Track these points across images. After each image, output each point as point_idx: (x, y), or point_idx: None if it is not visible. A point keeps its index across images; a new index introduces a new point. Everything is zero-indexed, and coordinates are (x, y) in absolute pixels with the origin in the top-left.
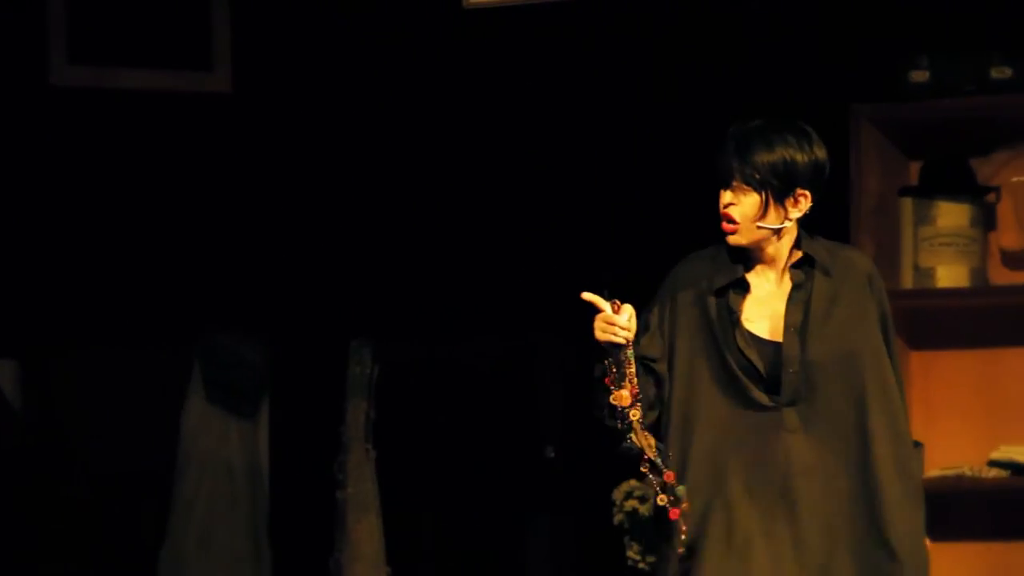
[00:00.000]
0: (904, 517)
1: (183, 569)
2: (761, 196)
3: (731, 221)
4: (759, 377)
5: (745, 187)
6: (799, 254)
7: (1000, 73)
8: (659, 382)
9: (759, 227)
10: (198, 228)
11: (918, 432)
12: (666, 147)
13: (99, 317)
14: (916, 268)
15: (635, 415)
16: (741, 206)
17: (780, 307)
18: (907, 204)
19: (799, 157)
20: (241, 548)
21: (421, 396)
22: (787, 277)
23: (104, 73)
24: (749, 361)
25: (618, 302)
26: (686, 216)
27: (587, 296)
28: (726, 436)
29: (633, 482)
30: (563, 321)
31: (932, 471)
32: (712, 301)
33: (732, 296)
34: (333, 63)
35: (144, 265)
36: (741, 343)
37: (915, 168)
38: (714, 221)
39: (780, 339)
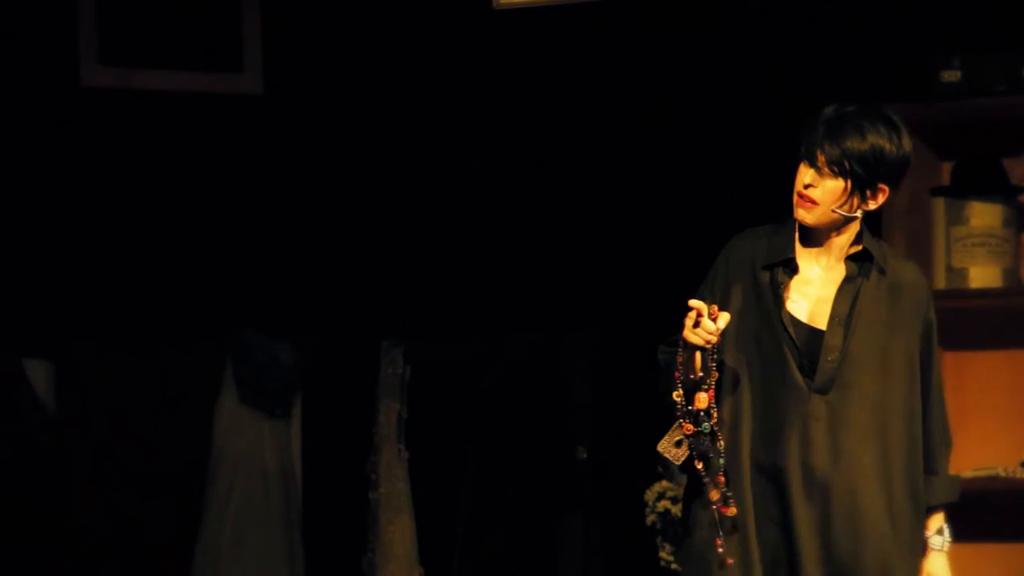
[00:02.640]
0: (908, 535)
1: (217, 569)
2: (844, 183)
3: (810, 201)
4: (797, 357)
5: (830, 171)
6: (858, 248)
7: None
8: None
9: (833, 211)
10: (229, 229)
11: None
12: (700, 145)
13: (132, 317)
14: (949, 268)
15: (715, 416)
16: (822, 189)
17: (824, 294)
18: (939, 204)
19: (889, 149)
20: (274, 548)
21: (453, 396)
22: (841, 267)
23: (134, 74)
24: (791, 339)
25: (716, 308)
26: (716, 211)
27: (693, 303)
28: (758, 410)
29: (665, 483)
30: (595, 320)
31: (965, 472)
32: (763, 275)
33: (780, 274)
34: (363, 64)
35: (176, 266)
36: (786, 321)
37: (947, 168)
38: (749, 214)
39: (816, 324)
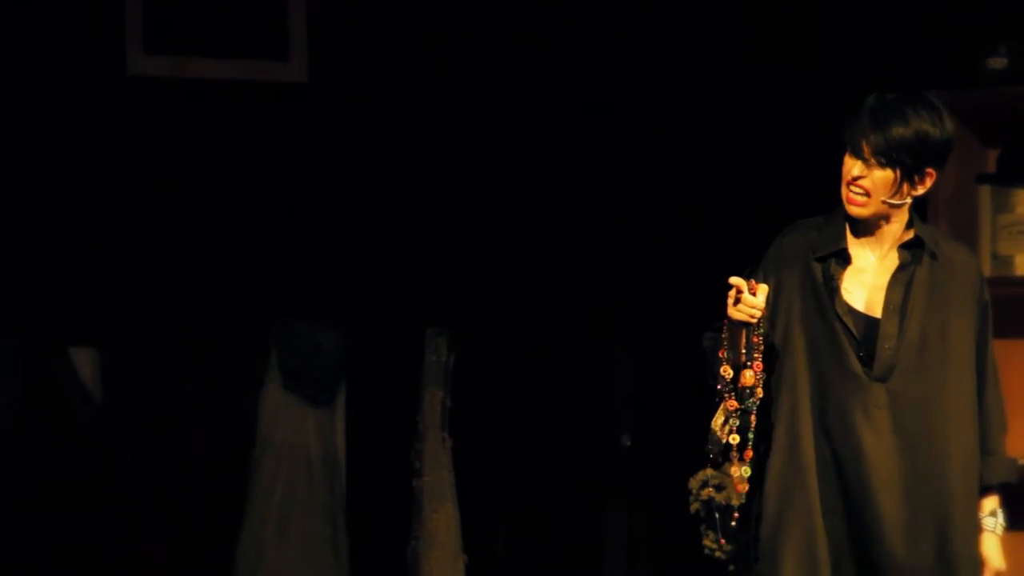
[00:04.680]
0: (964, 515)
1: (261, 557)
2: (894, 172)
3: (862, 194)
4: (856, 346)
5: (877, 162)
6: (910, 234)
7: None
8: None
9: (884, 202)
10: (274, 216)
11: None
12: (746, 136)
13: (176, 306)
14: (994, 256)
15: (759, 394)
16: (871, 180)
17: (878, 282)
18: (985, 192)
19: (934, 133)
20: (319, 536)
21: (497, 384)
22: (894, 255)
23: (180, 63)
24: (848, 328)
25: (755, 281)
26: (761, 202)
27: (733, 280)
28: (816, 401)
29: (709, 471)
30: (640, 308)
31: (1016, 458)
32: (816, 267)
33: (833, 265)
34: (408, 52)
35: (221, 254)
36: (840, 310)
37: (993, 156)
38: (794, 204)
39: (873, 313)
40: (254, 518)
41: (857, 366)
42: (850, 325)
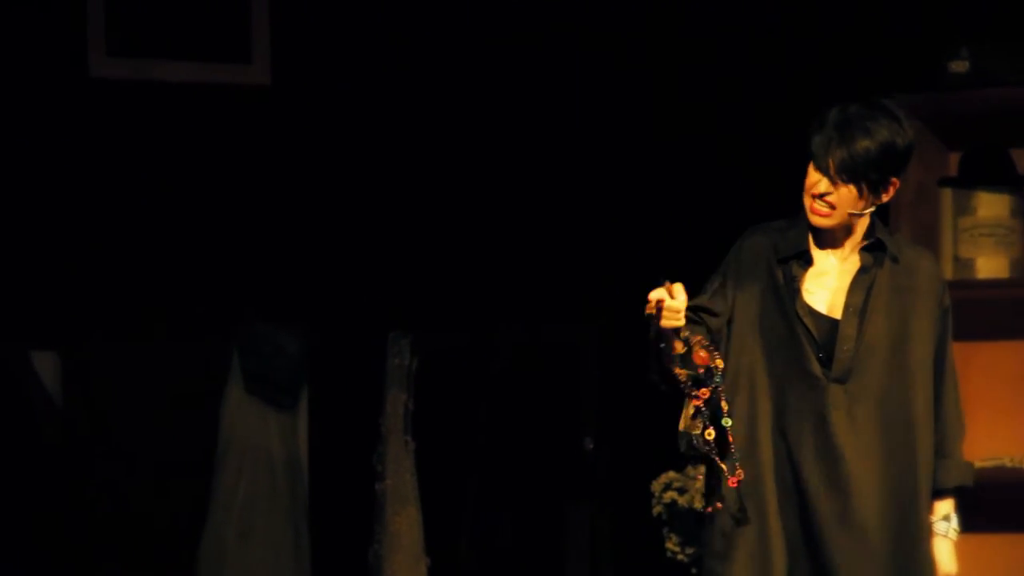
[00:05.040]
0: (920, 518)
1: (223, 560)
2: (859, 188)
3: (827, 207)
4: (815, 347)
5: (842, 179)
6: (872, 237)
7: None
8: (714, 338)
9: (850, 214)
10: (237, 219)
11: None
12: (709, 140)
13: (139, 308)
14: (956, 259)
15: (720, 364)
16: (837, 195)
17: (839, 284)
18: (947, 195)
19: (898, 143)
20: (281, 539)
21: (460, 388)
22: (855, 258)
23: (143, 65)
24: (808, 330)
25: (668, 282)
26: (724, 205)
27: (652, 295)
28: (774, 401)
29: (672, 473)
30: (604, 310)
31: (973, 462)
32: (778, 269)
33: (795, 266)
34: (371, 55)
35: (183, 256)
36: (801, 312)
37: (955, 159)
38: (757, 208)
39: (835, 315)
40: (216, 520)
41: (816, 367)
42: (810, 326)
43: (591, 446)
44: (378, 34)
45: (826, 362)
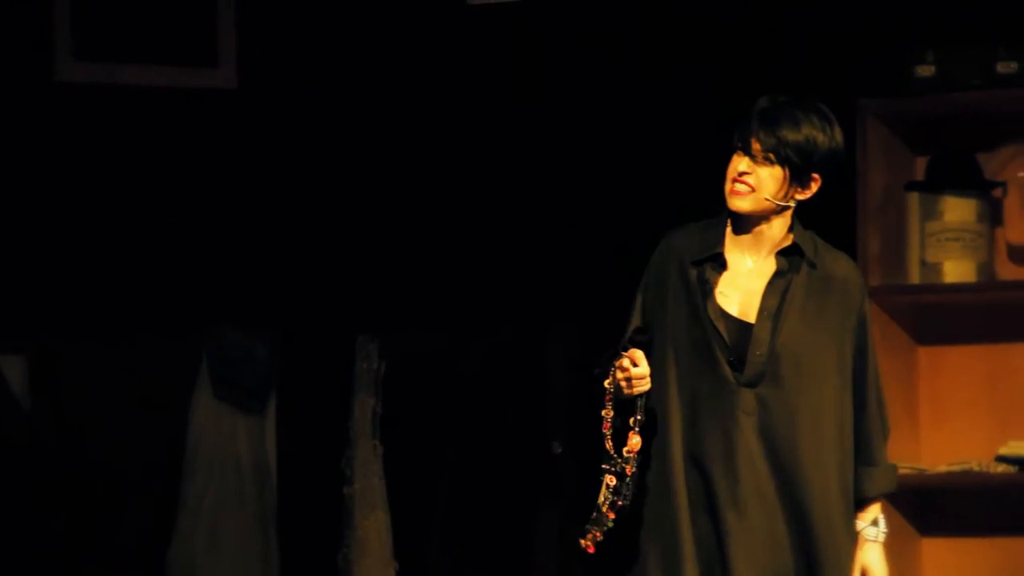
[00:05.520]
0: (828, 523)
1: (192, 565)
2: (782, 170)
3: (745, 187)
4: (726, 352)
5: (765, 159)
6: (789, 240)
7: (1006, 68)
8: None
9: (767, 199)
10: (204, 224)
11: (926, 427)
12: (671, 141)
13: (107, 312)
14: (923, 263)
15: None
16: (756, 176)
17: (754, 287)
18: (913, 199)
19: (821, 139)
20: (249, 544)
21: (428, 391)
22: (771, 261)
23: (109, 69)
24: (719, 334)
25: (631, 351)
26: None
27: (623, 363)
28: (687, 403)
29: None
30: (573, 312)
31: (939, 466)
32: (692, 271)
33: (709, 269)
34: (338, 59)
35: (151, 260)
36: (712, 315)
37: (921, 163)
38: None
39: (748, 318)
40: (185, 525)
41: (727, 371)
42: (721, 330)
43: (559, 450)
44: (345, 37)
45: (737, 366)
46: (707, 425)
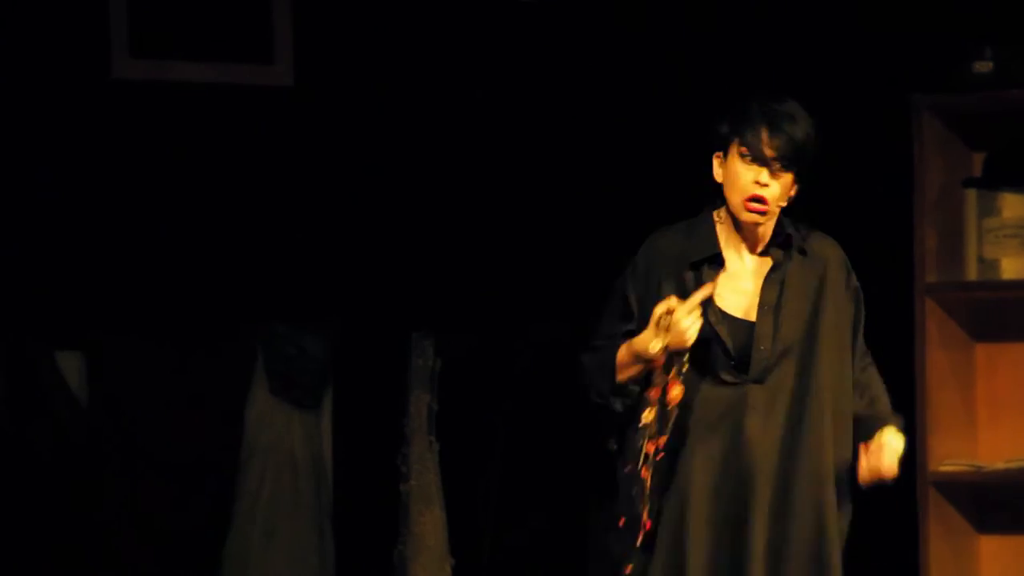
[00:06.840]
0: (833, 519)
1: (248, 561)
2: (791, 176)
3: (764, 203)
4: (728, 355)
5: (781, 166)
6: (776, 232)
7: None
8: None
9: (778, 207)
10: (260, 220)
11: (983, 424)
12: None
13: (163, 309)
14: (980, 260)
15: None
16: (773, 188)
17: (752, 285)
18: (971, 196)
19: (814, 137)
20: (305, 540)
21: (483, 388)
22: (766, 255)
23: (165, 66)
24: (719, 338)
25: (665, 302)
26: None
27: (659, 308)
28: (690, 409)
29: None
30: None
31: (997, 463)
32: (688, 275)
33: (706, 271)
34: (394, 56)
35: (207, 257)
36: (713, 319)
37: (978, 159)
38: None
39: (749, 317)
40: (240, 522)
41: (729, 374)
42: (723, 334)
43: (615, 447)
44: (401, 35)
45: (742, 366)
46: (717, 425)
